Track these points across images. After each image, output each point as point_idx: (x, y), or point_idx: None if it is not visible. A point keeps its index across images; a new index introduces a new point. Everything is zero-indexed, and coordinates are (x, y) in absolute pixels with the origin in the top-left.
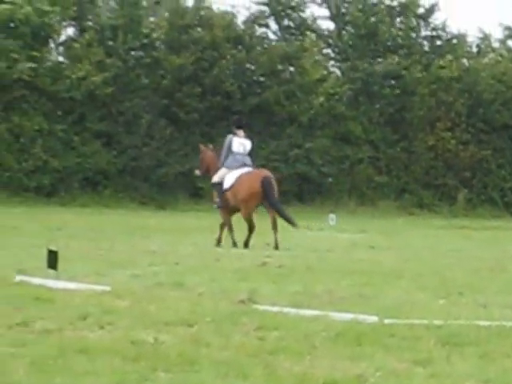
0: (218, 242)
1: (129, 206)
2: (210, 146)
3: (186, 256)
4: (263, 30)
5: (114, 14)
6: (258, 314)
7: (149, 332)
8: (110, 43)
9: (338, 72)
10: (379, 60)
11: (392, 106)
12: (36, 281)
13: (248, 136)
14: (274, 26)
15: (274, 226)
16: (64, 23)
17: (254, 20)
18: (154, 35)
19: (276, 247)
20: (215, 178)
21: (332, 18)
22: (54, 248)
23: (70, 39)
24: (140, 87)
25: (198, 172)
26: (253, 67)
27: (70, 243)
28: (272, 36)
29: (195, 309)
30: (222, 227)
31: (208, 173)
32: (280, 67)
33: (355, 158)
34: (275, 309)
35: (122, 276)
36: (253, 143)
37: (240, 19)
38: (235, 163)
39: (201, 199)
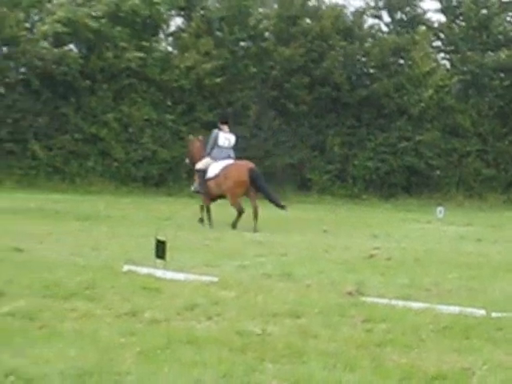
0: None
1: None
2: (200, 137)
3: (294, 247)
4: (375, 21)
5: (221, 5)
6: (365, 306)
7: (256, 323)
8: (218, 34)
9: (448, 64)
10: (490, 53)
11: (502, 98)
12: (144, 271)
13: (232, 131)
14: (386, 18)
15: (255, 216)
16: (173, 13)
17: (365, 11)
18: (261, 26)
19: (255, 231)
20: (199, 165)
21: (443, 10)
22: (162, 238)
23: (179, 29)
24: (249, 78)
25: (187, 161)
26: (363, 59)
27: (178, 233)
28: (384, 28)
29: (303, 300)
30: (201, 208)
31: (194, 162)
32: (391, 59)
33: (463, 151)
34: (383, 301)
35: (230, 267)
36: (237, 138)
37: (351, 11)
38: (220, 155)
39: (309, 191)
